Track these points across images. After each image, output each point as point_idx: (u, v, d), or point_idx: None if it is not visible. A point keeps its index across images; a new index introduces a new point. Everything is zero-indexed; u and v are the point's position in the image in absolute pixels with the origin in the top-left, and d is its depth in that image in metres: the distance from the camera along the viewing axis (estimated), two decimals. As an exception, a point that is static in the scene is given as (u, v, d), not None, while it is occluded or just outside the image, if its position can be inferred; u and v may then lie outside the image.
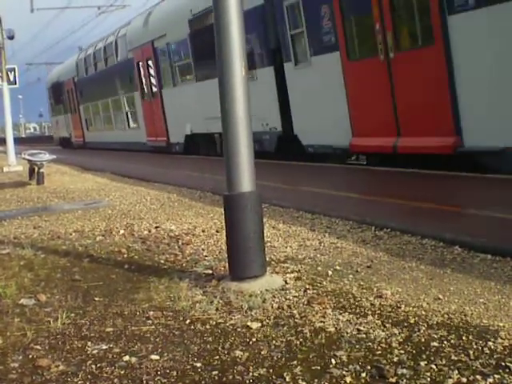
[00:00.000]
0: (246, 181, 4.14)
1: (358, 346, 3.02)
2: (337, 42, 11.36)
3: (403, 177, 9.46)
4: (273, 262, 4.74)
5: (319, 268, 4.56)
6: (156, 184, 11.09)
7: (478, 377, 2.62)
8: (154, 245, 5.79)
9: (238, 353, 3.04)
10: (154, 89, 21.06)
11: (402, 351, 2.93)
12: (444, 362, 2.77)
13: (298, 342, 3.13)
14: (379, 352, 2.94)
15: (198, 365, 2.93)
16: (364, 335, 3.16)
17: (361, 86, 11.00)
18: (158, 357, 3.06)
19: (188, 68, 18.23)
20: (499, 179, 7.97)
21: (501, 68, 8.35)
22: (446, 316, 3.38)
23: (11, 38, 20.00)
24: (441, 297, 3.73)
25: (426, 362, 2.78)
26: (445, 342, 3.00)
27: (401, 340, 3.06)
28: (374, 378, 2.68)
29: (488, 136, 8.51)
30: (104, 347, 3.22)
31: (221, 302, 3.87)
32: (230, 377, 2.79)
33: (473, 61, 8.68)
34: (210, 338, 3.27)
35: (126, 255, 5.44)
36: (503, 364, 2.72)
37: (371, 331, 3.20)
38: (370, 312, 3.51)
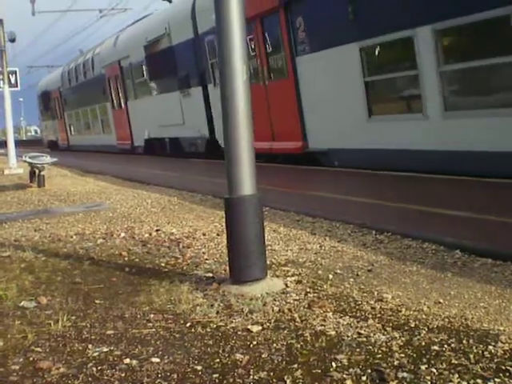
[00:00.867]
0: (247, 184, 4.13)
1: (358, 350, 3.02)
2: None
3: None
4: (273, 266, 4.74)
5: (320, 271, 4.57)
6: (155, 187, 11.10)
7: (479, 381, 2.62)
8: (154, 248, 5.79)
9: (238, 356, 3.04)
10: (122, 100, 24.80)
11: (402, 355, 2.93)
12: (444, 366, 2.77)
13: (298, 346, 3.13)
14: (380, 355, 2.94)
15: (199, 368, 2.93)
16: (364, 339, 3.16)
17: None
18: (158, 359, 3.06)
19: (145, 84, 22.02)
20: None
21: (323, 95, 12.07)
22: (446, 320, 3.38)
23: (13, 40, 20.07)
24: (441, 301, 3.73)
25: (426, 366, 2.78)
26: (445, 346, 3.00)
27: (401, 344, 3.07)
28: (374, 382, 2.68)
29: (320, 141, 12.65)
30: (105, 350, 3.22)
31: (221, 305, 3.87)
32: (231, 380, 2.79)
33: (309, 89, 12.60)
34: (211, 341, 3.27)
35: (126, 258, 5.44)
36: (504, 368, 2.73)
37: (372, 335, 3.21)
38: (370, 316, 3.51)
